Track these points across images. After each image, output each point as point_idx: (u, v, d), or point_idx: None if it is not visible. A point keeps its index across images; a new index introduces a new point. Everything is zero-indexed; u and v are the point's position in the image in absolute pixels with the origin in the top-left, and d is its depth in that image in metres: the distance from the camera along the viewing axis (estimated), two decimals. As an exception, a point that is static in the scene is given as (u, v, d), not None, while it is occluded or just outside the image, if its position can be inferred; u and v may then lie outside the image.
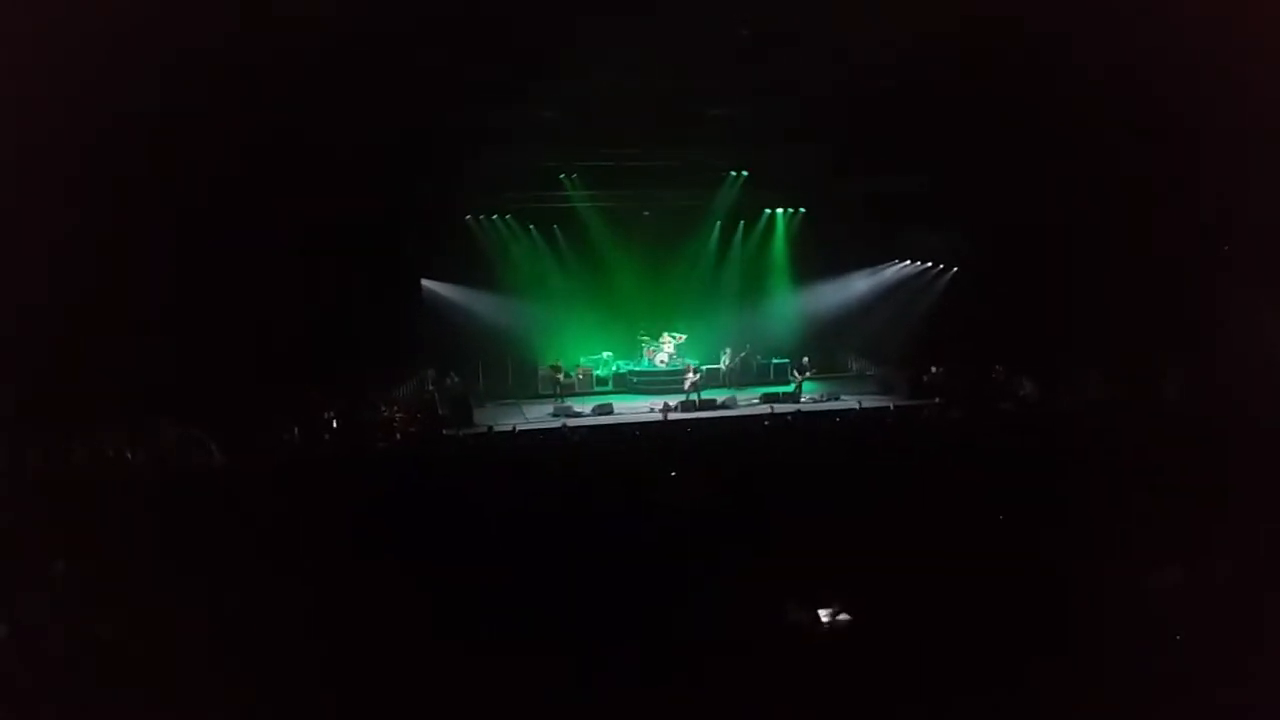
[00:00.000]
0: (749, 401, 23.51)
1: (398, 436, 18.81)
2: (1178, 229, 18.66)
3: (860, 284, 26.83)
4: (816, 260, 26.54)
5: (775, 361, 26.03)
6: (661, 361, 26.01)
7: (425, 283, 24.34)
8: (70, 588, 7.47)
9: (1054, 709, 5.48)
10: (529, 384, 25.57)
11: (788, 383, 24.58)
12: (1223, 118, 16.35)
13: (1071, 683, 5.53)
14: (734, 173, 25.21)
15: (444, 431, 19.53)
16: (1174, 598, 6.25)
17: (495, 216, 25.14)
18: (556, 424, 20.45)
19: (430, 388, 23.51)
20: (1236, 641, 5.78)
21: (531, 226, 25.56)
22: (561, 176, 24.39)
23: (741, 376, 25.92)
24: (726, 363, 26.03)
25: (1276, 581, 6.31)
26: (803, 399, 23.46)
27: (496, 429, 18.82)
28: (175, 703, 5.81)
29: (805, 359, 24.17)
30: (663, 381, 24.88)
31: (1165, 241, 18.85)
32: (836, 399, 23.29)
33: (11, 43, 13.05)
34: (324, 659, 6.16)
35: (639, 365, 26.37)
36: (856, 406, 20.65)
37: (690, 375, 23.56)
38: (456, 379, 23.66)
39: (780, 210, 26.99)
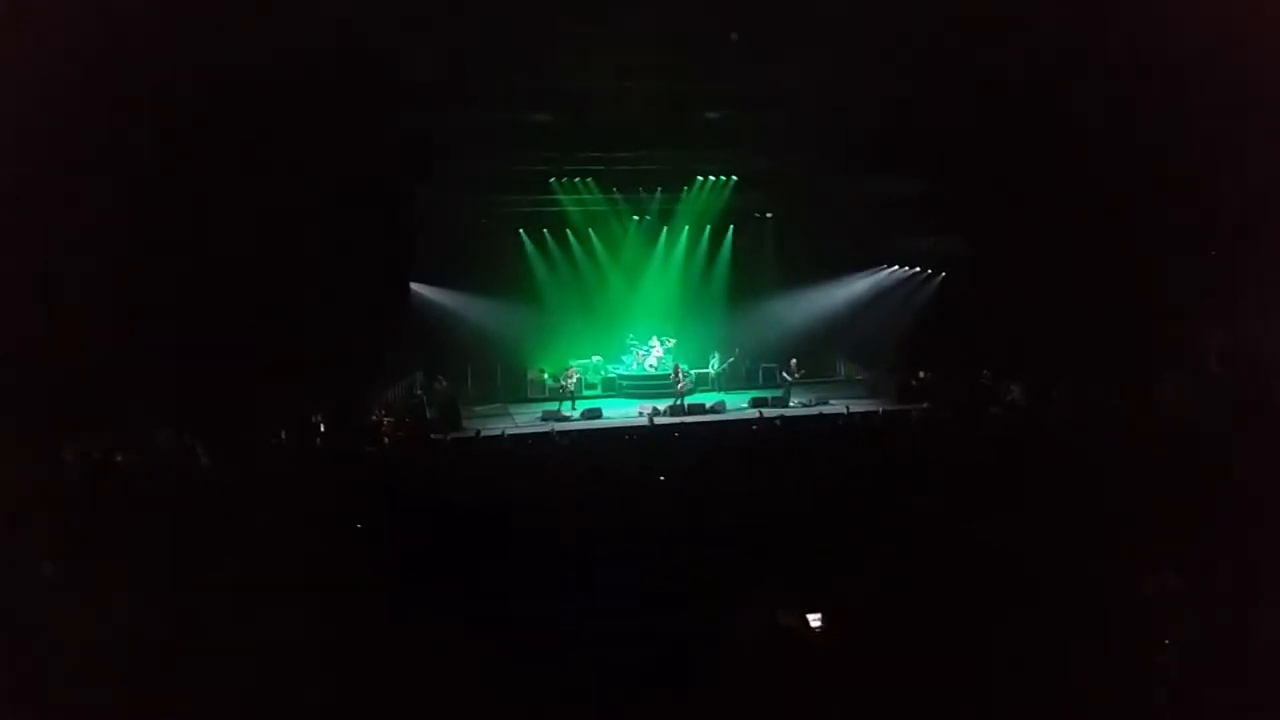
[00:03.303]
0: (737, 406, 23.52)
1: (386, 441, 18.74)
2: (1169, 234, 18.74)
3: (849, 288, 26.83)
4: (806, 264, 26.57)
5: (764, 365, 26.08)
6: (651, 365, 26.02)
7: (414, 286, 24.29)
8: (59, 591, 7.44)
9: (1045, 714, 5.49)
10: (518, 388, 25.55)
11: (777, 387, 24.62)
12: (1218, 123, 16.42)
13: (1064, 687, 5.54)
14: (723, 176, 25.32)
15: (432, 436, 19.48)
16: (1168, 604, 6.27)
17: (484, 220, 25.11)
18: (545, 428, 20.40)
19: (418, 392, 23.46)
20: (1232, 648, 5.80)
21: (521, 230, 25.59)
22: (552, 180, 24.47)
23: (730, 380, 25.95)
24: (716, 367, 26.05)
25: (1272, 588, 6.33)
26: (791, 403, 23.49)
27: (485, 433, 18.79)
28: (166, 706, 5.79)
29: (793, 361, 24.20)
30: (652, 386, 24.89)
31: (1156, 247, 18.93)
32: (825, 403, 23.30)
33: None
34: (314, 661, 6.14)
35: (629, 369, 26.37)
36: (845, 411, 20.66)
37: (679, 379, 23.56)
38: (445, 383, 23.62)
39: (770, 214, 27.03)
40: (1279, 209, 16.40)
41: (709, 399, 23.85)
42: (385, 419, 20.42)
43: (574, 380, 24.23)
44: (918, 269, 26.09)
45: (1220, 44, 14.55)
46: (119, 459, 14.01)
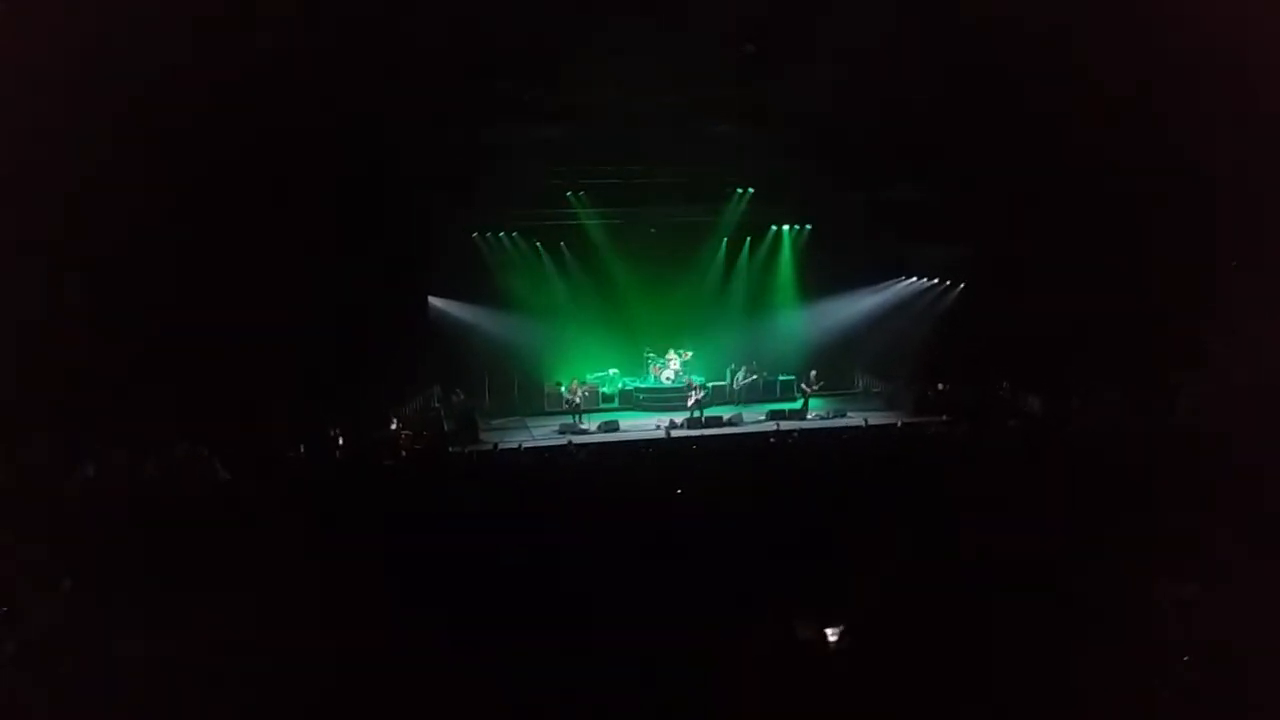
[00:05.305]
0: (755, 418, 23.45)
1: (403, 454, 18.79)
2: (1188, 242, 18.58)
3: (866, 300, 26.70)
4: (823, 277, 26.50)
5: (782, 378, 26.01)
6: (667, 378, 25.97)
7: (432, 300, 24.34)
8: (77, 604, 7.47)
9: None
10: (535, 401, 25.54)
11: (794, 399, 24.55)
12: (1235, 126, 16.28)
13: (1083, 696, 5.50)
14: (740, 189, 25.33)
15: (450, 449, 19.51)
16: (1185, 614, 6.22)
17: (502, 234, 25.19)
18: (562, 441, 20.41)
19: (436, 405, 23.49)
20: (1246, 657, 5.74)
21: (538, 243, 25.62)
22: (569, 194, 24.53)
23: (748, 393, 25.88)
24: (740, 380, 25.97)
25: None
26: (809, 416, 23.41)
27: (502, 446, 18.81)
28: (183, 717, 5.81)
29: (813, 373, 24.12)
30: (668, 398, 24.87)
31: (1175, 255, 18.77)
32: (843, 416, 23.21)
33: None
34: (330, 675, 6.14)
35: (645, 382, 26.34)
36: (863, 424, 20.57)
37: (694, 392, 23.52)
38: (462, 396, 23.65)
39: (786, 226, 27.02)
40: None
41: (727, 411, 23.81)
42: (403, 432, 20.47)
43: (579, 395, 24.18)
44: (935, 280, 25.97)
45: (1233, 41, 14.42)
46: (136, 473, 14.06)
